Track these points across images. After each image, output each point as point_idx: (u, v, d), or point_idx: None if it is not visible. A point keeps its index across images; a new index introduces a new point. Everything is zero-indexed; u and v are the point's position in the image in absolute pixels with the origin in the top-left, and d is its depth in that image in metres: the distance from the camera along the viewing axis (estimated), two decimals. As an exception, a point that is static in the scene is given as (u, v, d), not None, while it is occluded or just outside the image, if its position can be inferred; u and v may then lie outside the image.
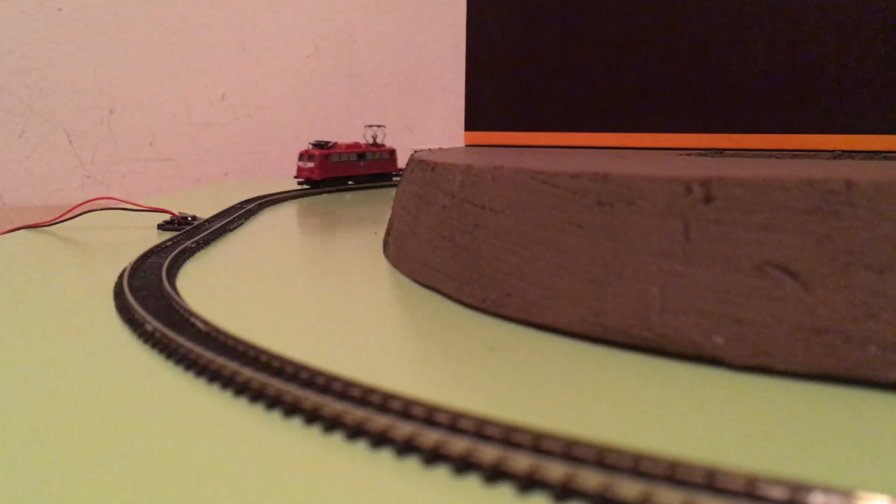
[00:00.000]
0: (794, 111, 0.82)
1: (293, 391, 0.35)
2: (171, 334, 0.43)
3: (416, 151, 0.78)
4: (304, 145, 1.41)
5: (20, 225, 0.91)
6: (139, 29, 1.48)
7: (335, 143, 1.34)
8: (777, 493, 0.25)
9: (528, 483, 0.27)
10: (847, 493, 0.24)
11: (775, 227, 0.39)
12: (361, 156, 1.39)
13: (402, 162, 1.48)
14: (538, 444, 0.29)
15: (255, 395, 0.35)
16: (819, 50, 0.80)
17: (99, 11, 1.45)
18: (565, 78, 0.90)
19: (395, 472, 0.29)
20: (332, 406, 0.33)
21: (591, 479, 0.26)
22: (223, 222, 0.89)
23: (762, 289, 0.39)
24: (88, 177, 1.45)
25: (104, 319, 0.50)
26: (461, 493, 0.27)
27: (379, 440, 0.31)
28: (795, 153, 0.77)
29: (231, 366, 0.38)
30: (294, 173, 1.37)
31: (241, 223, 0.95)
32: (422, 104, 1.70)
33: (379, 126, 1.42)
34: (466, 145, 0.95)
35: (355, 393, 0.34)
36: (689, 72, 0.85)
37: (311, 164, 1.30)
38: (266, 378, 0.36)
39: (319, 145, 1.33)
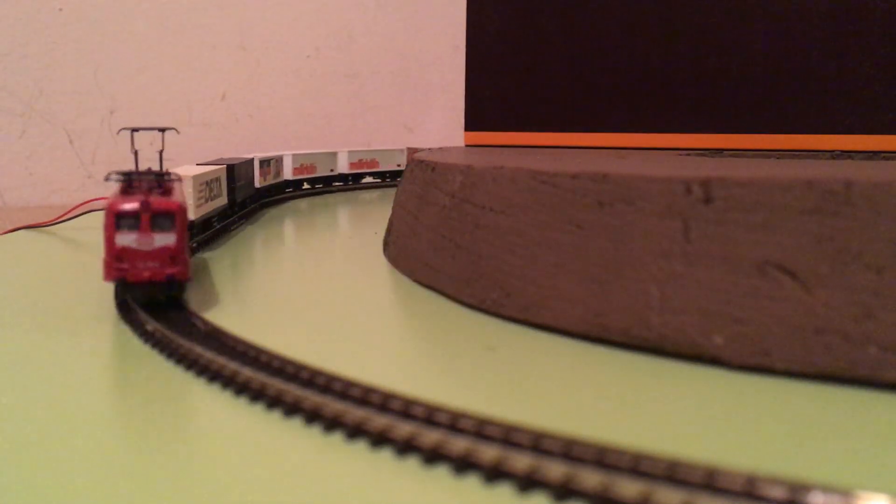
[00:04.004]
0: (793, 111, 0.82)
1: (293, 391, 0.35)
2: (172, 334, 0.43)
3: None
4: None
5: (21, 225, 0.91)
6: (139, 29, 1.48)
7: (167, 173, 0.57)
8: (777, 492, 0.25)
9: (527, 483, 0.27)
10: (847, 493, 0.24)
11: (775, 227, 0.39)
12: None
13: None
14: (538, 444, 0.29)
15: (256, 394, 0.35)
16: (819, 50, 0.80)
17: (99, 11, 1.45)
18: (565, 78, 0.90)
19: (395, 472, 0.29)
20: (332, 406, 0.33)
21: (591, 479, 0.26)
22: (224, 223, 0.89)
23: (762, 289, 0.39)
24: (89, 177, 1.45)
25: (105, 319, 0.50)
26: (461, 493, 0.27)
27: (379, 440, 0.31)
28: (795, 153, 0.77)
29: (231, 366, 0.38)
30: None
31: (242, 223, 0.95)
32: (422, 104, 1.70)
33: (163, 129, 0.63)
34: (466, 145, 0.95)
35: (355, 393, 0.34)
36: (689, 72, 0.85)
37: (167, 238, 0.49)
38: (266, 378, 0.36)
39: (157, 179, 0.55)
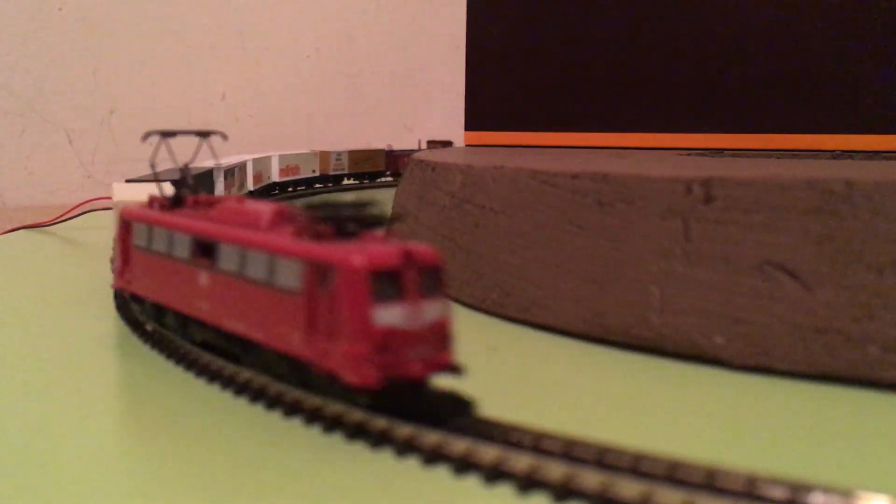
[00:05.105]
0: (794, 111, 0.82)
1: (293, 391, 0.35)
2: (171, 334, 0.43)
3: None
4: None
5: (20, 225, 0.91)
6: (139, 29, 1.48)
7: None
8: (777, 493, 0.25)
9: (527, 483, 0.27)
10: (847, 493, 0.24)
11: (775, 227, 0.39)
12: None
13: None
14: (538, 444, 0.29)
15: (256, 394, 0.35)
16: (819, 50, 0.80)
17: (99, 11, 1.45)
18: (565, 78, 0.90)
19: (395, 472, 0.29)
20: (332, 406, 0.33)
21: (591, 479, 0.26)
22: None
23: (762, 289, 0.39)
24: (89, 177, 1.45)
25: (104, 319, 0.50)
26: (461, 493, 0.27)
27: (379, 440, 0.31)
28: (795, 153, 0.77)
29: (231, 366, 0.38)
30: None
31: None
32: (422, 104, 1.69)
33: (204, 133, 0.46)
34: (466, 145, 0.95)
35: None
36: (689, 72, 0.85)
37: (438, 308, 0.32)
38: (267, 379, 0.36)
39: (371, 217, 0.34)
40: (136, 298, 0.46)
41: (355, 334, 0.30)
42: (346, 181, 1.42)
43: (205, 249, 0.38)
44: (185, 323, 0.41)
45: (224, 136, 0.47)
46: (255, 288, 0.35)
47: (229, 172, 0.86)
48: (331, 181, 1.38)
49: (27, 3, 1.40)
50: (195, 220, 0.40)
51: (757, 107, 0.83)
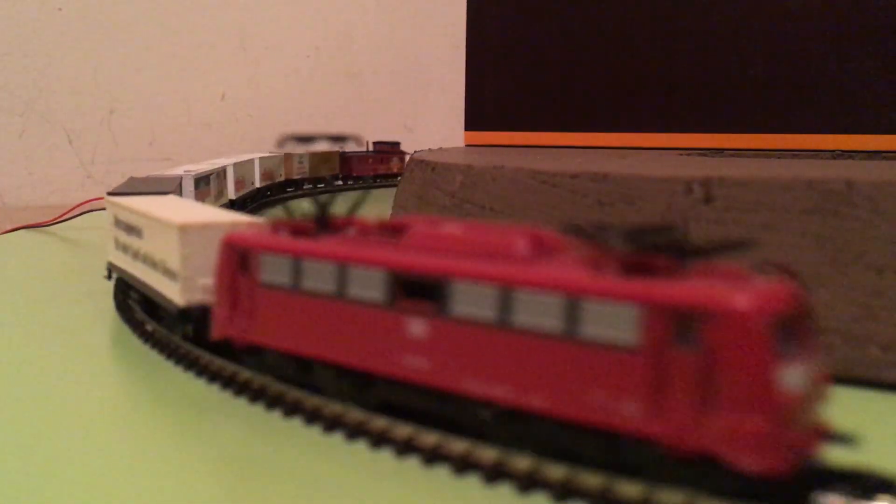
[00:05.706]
0: (794, 111, 0.82)
1: (293, 391, 0.35)
2: (171, 334, 0.43)
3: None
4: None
5: (20, 225, 0.91)
6: (139, 29, 1.48)
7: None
8: (777, 493, 0.25)
9: (528, 483, 0.27)
10: (847, 493, 0.24)
11: (775, 227, 0.39)
12: None
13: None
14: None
15: (256, 394, 0.35)
16: (819, 50, 0.80)
17: (99, 11, 1.45)
18: (565, 78, 0.90)
19: (395, 472, 0.29)
20: (332, 406, 0.33)
21: (590, 479, 0.26)
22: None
23: (762, 289, 0.39)
24: (88, 177, 1.45)
25: (104, 319, 0.50)
26: (461, 493, 0.27)
27: (379, 440, 0.31)
28: (795, 153, 0.77)
29: (231, 366, 0.38)
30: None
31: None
32: (422, 104, 1.69)
33: (339, 137, 0.33)
34: (466, 145, 0.95)
35: (355, 393, 0.34)
36: (689, 72, 0.85)
37: (813, 364, 0.25)
38: (266, 379, 0.36)
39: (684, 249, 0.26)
40: (250, 350, 0.36)
41: (755, 405, 0.23)
42: (305, 186, 1.32)
43: (420, 289, 0.30)
44: (363, 384, 0.32)
45: (359, 141, 0.40)
46: (536, 341, 0.27)
47: (202, 180, 0.75)
48: (291, 186, 1.27)
49: (27, 3, 1.40)
50: (388, 250, 0.31)
51: (757, 107, 0.83)
